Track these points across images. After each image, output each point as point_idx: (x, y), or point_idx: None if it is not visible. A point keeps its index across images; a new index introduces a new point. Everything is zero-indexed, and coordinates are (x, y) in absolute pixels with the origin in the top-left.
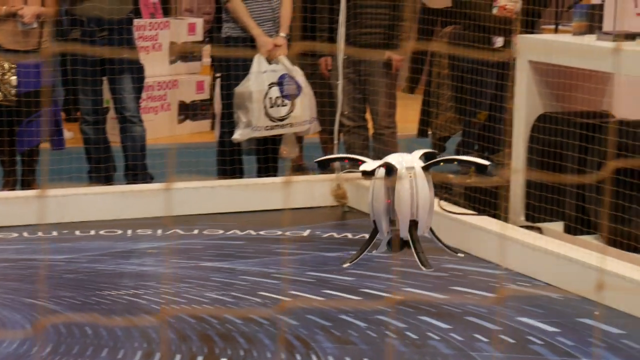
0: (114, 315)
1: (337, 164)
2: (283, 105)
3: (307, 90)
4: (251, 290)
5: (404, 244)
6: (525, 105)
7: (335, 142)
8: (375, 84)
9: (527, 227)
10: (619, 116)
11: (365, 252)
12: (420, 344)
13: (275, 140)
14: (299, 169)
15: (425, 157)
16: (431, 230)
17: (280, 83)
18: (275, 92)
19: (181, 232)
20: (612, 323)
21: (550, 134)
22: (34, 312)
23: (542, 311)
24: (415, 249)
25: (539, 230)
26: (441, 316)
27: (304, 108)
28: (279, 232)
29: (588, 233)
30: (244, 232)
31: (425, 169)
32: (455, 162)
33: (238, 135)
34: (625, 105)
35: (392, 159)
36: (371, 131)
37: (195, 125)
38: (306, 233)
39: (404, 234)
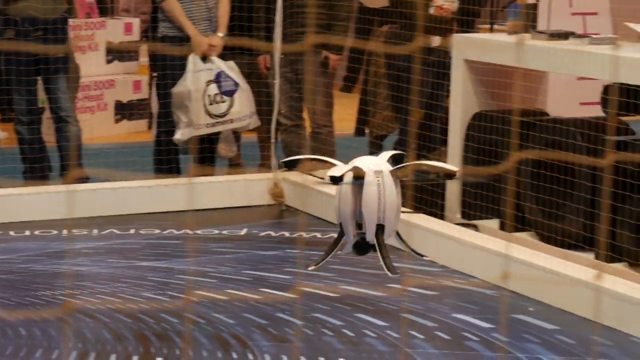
0: (48, 316)
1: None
2: (222, 102)
3: (243, 85)
4: (187, 290)
5: (369, 247)
6: (461, 103)
7: (273, 140)
8: (312, 83)
9: (463, 225)
10: (553, 114)
11: (330, 255)
12: (357, 342)
13: (213, 139)
14: (237, 167)
15: (394, 159)
16: (398, 234)
17: (217, 80)
18: (213, 89)
19: (117, 231)
20: (547, 319)
21: (485, 132)
22: None
23: (477, 307)
24: (381, 253)
25: (475, 227)
26: (377, 313)
27: (243, 103)
28: (216, 231)
29: (523, 230)
30: (181, 231)
31: (393, 172)
32: (424, 167)
33: (180, 135)
34: (559, 103)
35: (360, 162)
36: (309, 130)
37: (132, 125)
38: (243, 232)
39: (370, 237)
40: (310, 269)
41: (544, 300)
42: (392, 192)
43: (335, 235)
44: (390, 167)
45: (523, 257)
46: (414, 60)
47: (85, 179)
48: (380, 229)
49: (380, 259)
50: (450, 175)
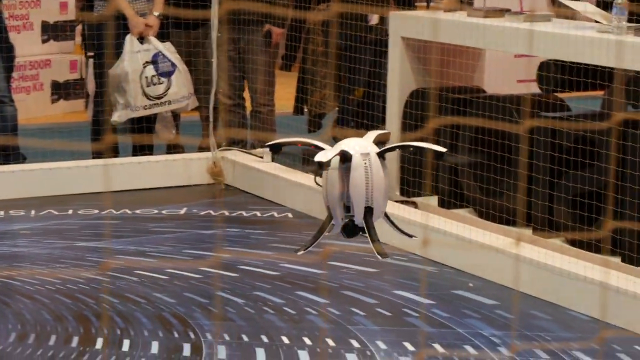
0: None
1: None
2: (160, 84)
3: (181, 66)
4: (128, 270)
5: (358, 230)
6: (398, 81)
7: (211, 120)
8: (254, 61)
9: (403, 202)
10: (490, 91)
11: (319, 239)
12: (298, 319)
13: (150, 119)
14: (176, 147)
15: (379, 139)
16: (386, 214)
17: (154, 61)
18: (150, 70)
19: (56, 212)
20: (486, 294)
21: (423, 109)
22: None
23: (418, 284)
24: (370, 236)
25: (414, 204)
26: (319, 291)
27: (180, 84)
28: (155, 211)
29: (461, 206)
30: (120, 211)
31: (380, 154)
32: (411, 148)
33: (117, 117)
34: (496, 81)
35: (346, 144)
36: (249, 109)
37: (68, 105)
38: (183, 211)
39: (359, 220)
40: (299, 253)
41: (484, 276)
42: (379, 173)
43: (323, 218)
44: (376, 149)
45: (462, 234)
46: (353, 38)
47: (22, 159)
48: (368, 211)
49: (370, 242)
50: (439, 155)
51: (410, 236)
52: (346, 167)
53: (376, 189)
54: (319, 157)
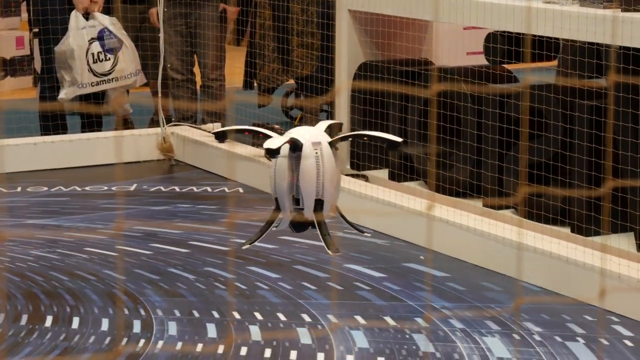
0: None
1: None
2: (106, 60)
3: (127, 42)
4: (77, 247)
5: (308, 224)
6: (346, 54)
7: (159, 95)
8: (205, 36)
9: (353, 175)
10: (439, 64)
11: (265, 234)
12: (249, 294)
13: (98, 95)
14: (125, 123)
15: (330, 128)
16: (337, 208)
17: (100, 38)
18: (96, 47)
19: (4, 190)
20: (437, 267)
21: (372, 82)
22: None
23: (369, 257)
24: (320, 231)
25: (365, 177)
26: (270, 266)
27: (127, 61)
28: (105, 188)
29: (412, 179)
30: (69, 189)
31: (332, 144)
32: (365, 138)
33: (63, 94)
34: (445, 53)
35: (297, 133)
36: (199, 84)
37: (16, 82)
38: (133, 187)
39: (309, 214)
40: (244, 247)
41: (435, 249)
42: (331, 164)
43: (270, 210)
44: (328, 138)
45: (413, 207)
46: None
47: None
48: (319, 204)
49: (320, 237)
50: (394, 144)
51: (362, 231)
52: (296, 156)
53: (328, 180)
54: (268, 144)
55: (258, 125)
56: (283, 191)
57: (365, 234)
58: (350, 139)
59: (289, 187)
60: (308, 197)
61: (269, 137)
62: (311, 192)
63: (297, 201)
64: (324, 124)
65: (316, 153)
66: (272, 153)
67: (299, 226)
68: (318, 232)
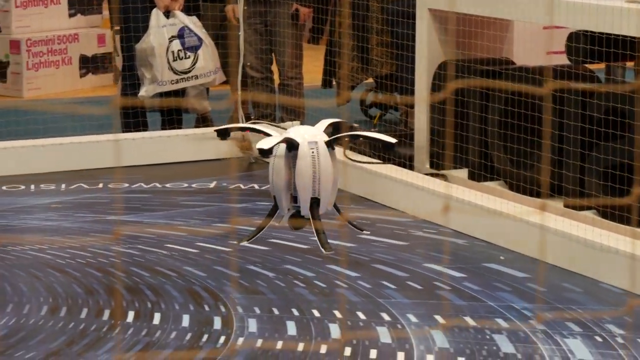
0: (18, 271)
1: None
2: (186, 58)
3: (207, 40)
4: (158, 243)
5: (305, 222)
6: (426, 53)
7: (239, 93)
8: (282, 34)
9: (432, 175)
10: (519, 63)
11: (263, 230)
12: (329, 292)
13: (179, 93)
14: (205, 121)
15: (333, 127)
16: (335, 206)
17: (180, 36)
18: (176, 45)
19: (86, 186)
20: (517, 267)
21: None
22: None
23: (449, 257)
24: (315, 228)
25: (444, 177)
26: (349, 264)
27: (207, 59)
28: (185, 185)
29: (492, 179)
30: (150, 185)
31: (329, 143)
32: (361, 138)
33: (144, 92)
34: (525, 52)
35: (295, 132)
36: (277, 82)
37: (97, 79)
38: (212, 185)
39: (305, 212)
40: (242, 243)
41: (516, 249)
42: (327, 163)
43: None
44: (325, 137)
45: (493, 207)
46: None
47: None
48: (315, 202)
49: (315, 235)
50: (388, 145)
51: (362, 230)
52: (293, 156)
53: (324, 179)
54: (261, 144)
55: (261, 119)
56: (280, 189)
57: (365, 232)
58: (346, 139)
59: (286, 185)
60: (304, 196)
61: (268, 135)
62: (307, 190)
63: (295, 199)
64: (324, 123)
65: (312, 152)
66: (265, 153)
67: (296, 224)
68: (313, 229)
